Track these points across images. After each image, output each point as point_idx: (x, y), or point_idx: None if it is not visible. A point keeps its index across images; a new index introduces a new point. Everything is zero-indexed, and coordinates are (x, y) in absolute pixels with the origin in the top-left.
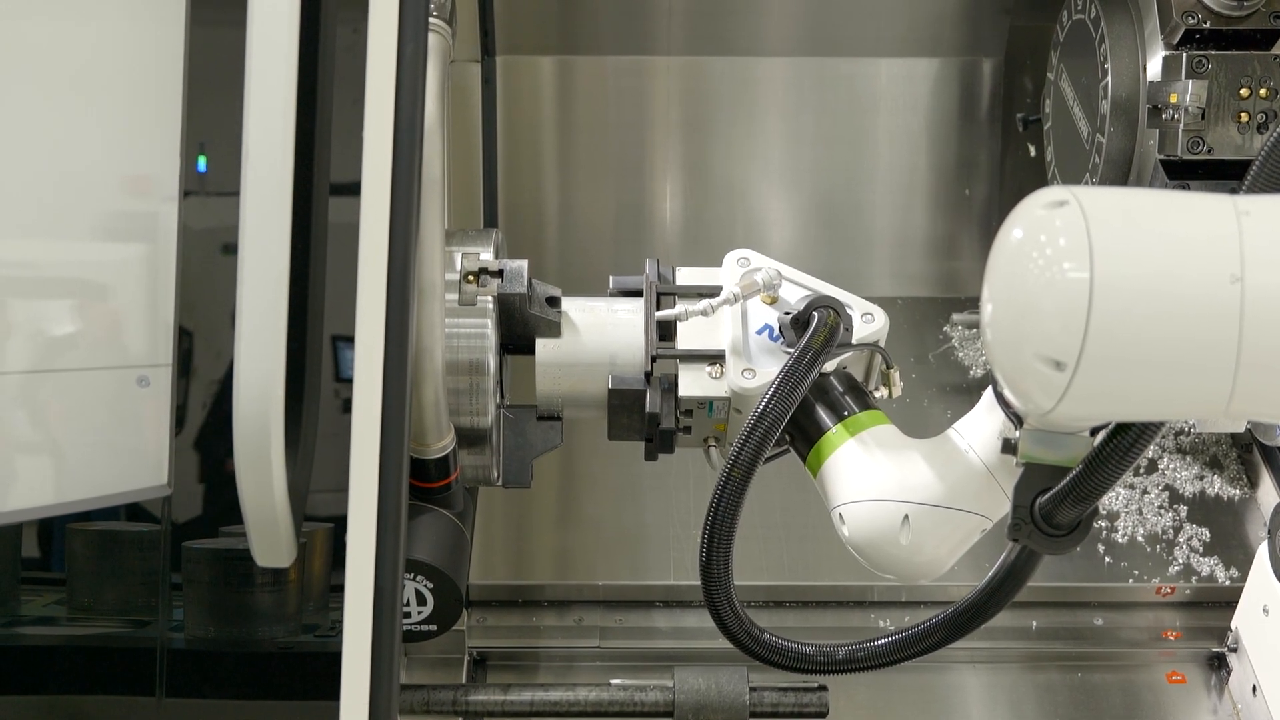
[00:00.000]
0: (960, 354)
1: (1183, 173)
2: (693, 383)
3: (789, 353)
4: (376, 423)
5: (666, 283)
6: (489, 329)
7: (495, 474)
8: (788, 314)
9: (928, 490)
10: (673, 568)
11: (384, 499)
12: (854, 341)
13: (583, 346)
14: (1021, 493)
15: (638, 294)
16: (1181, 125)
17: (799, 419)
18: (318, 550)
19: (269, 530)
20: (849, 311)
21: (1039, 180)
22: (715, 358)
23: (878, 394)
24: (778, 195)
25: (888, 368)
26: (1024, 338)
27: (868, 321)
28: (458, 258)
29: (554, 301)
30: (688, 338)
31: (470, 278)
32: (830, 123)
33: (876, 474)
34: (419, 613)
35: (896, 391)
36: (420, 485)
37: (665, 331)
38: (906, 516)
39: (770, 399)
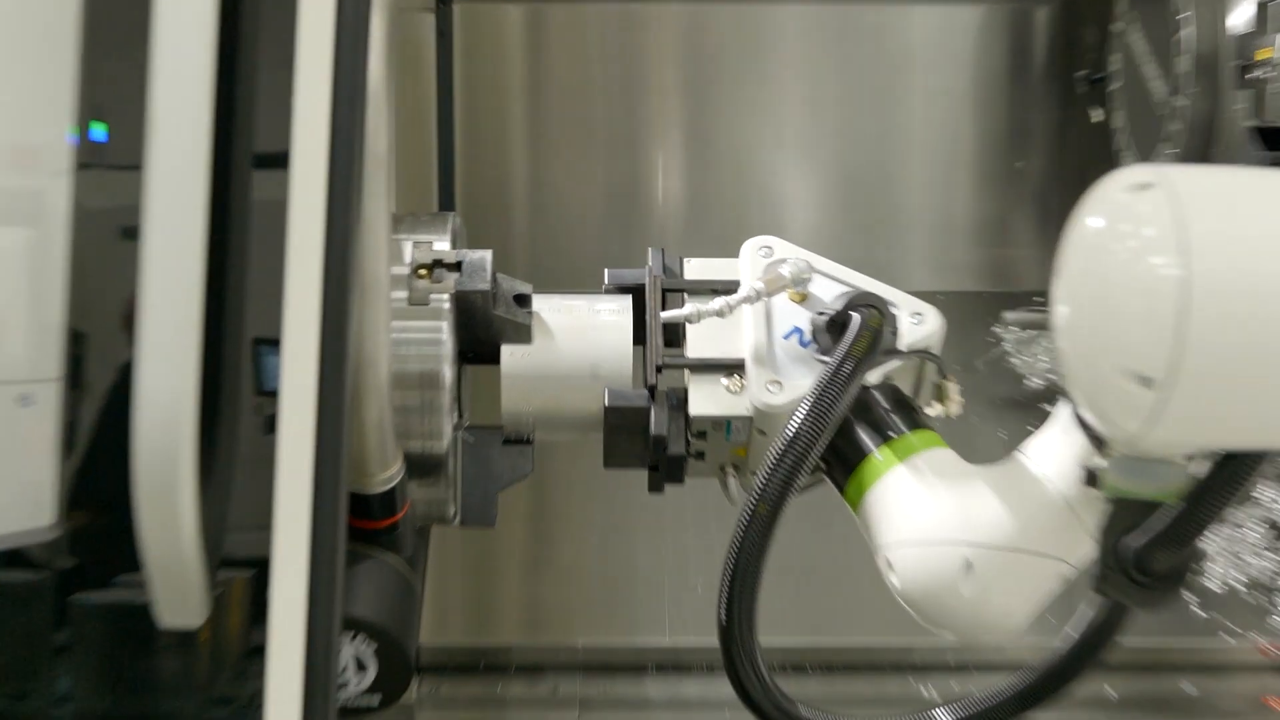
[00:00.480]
0: (1014, 359)
1: (1278, 142)
2: (707, 398)
3: (824, 361)
4: (308, 448)
5: (673, 276)
6: (444, 333)
7: (452, 510)
8: (821, 315)
9: (995, 529)
10: (669, 625)
11: (317, 542)
12: (902, 348)
13: (558, 354)
14: (1107, 534)
15: (636, 290)
16: (1276, 87)
17: (836, 441)
18: (235, 605)
19: (176, 580)
20: (895, 311)
21: (1104, 150)
22: (733, 367)
23: (930, 411)
24: (793, 171)
25: (942, 379)
26: (1104, 348)
27: (917, 323)
28: (407, 248)
29: (523, 300)
30: (699, 343)
31: (422, 271)
32: (855, 83)
33: (932, 508)
34: (359, 681)
35: (954, 408)
36: (361, 525)
37: (672, 336)
38: (969, 561)
39: (803, 418)
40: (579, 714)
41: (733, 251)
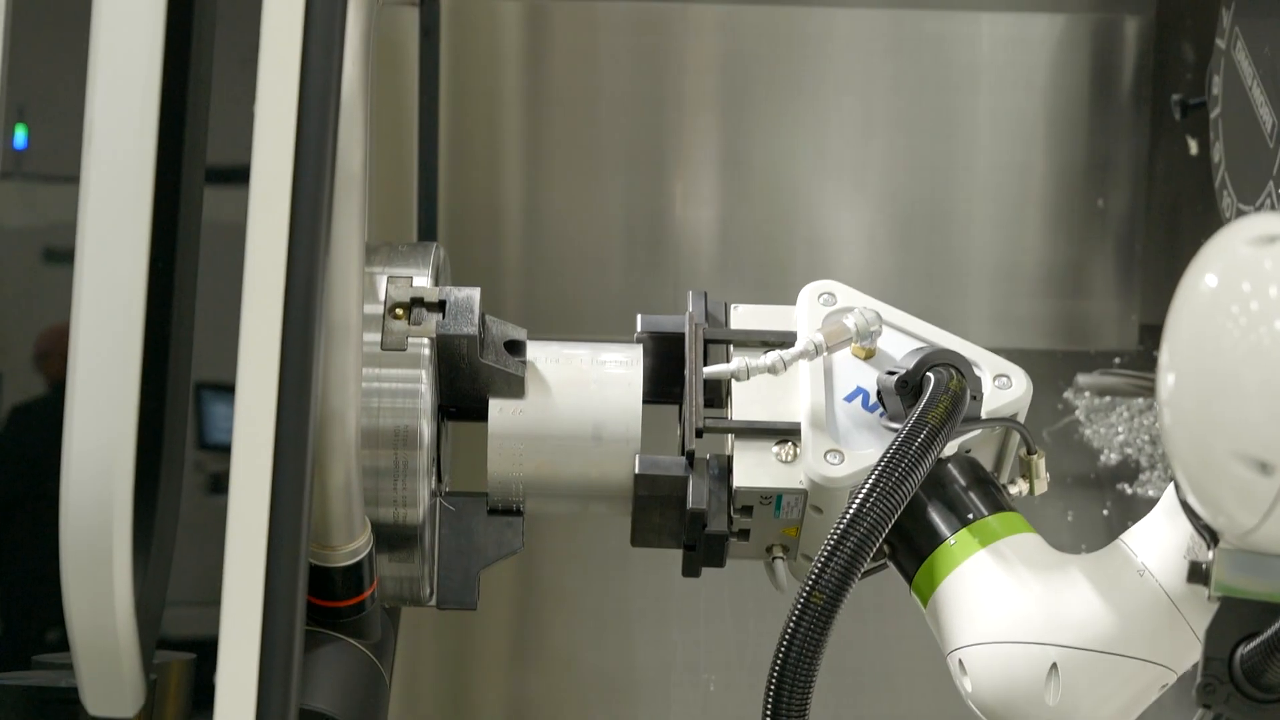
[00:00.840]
0: (1087, 430)
1: None
2: (754, 468)
3: (893, 429)
4: (263, 514)
5: (717, 325)
6: (424, 384)
7: (427, 590)
8: (891, 374)
9: (1086, 628)
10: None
11: (270, 622)
12: (984, 416)
13: (556, 411)
14: (1216, 639)
15: (673, 340)
16: None
17: (905, 522)
18: (174, 692)
19: (107, 663)
20: (977, 372)
21: (1200, 188)
22: (786, 433)
23: (1013, 489)
24: (834, 204)
25: (1029, 453)
26: (1218, 427)
27: (1002, 387)
28: (382, 283)
29: (516, 347)
30: (747, 404)
31: (399, 312)
32: (911, 102)
33: (1014, 603)
34: None
35: (1041, 486)
36: (322, 604)
37: (714, 395)
38: (1055, 665)
39: (868, 495)
40: None
41: (761, 295)
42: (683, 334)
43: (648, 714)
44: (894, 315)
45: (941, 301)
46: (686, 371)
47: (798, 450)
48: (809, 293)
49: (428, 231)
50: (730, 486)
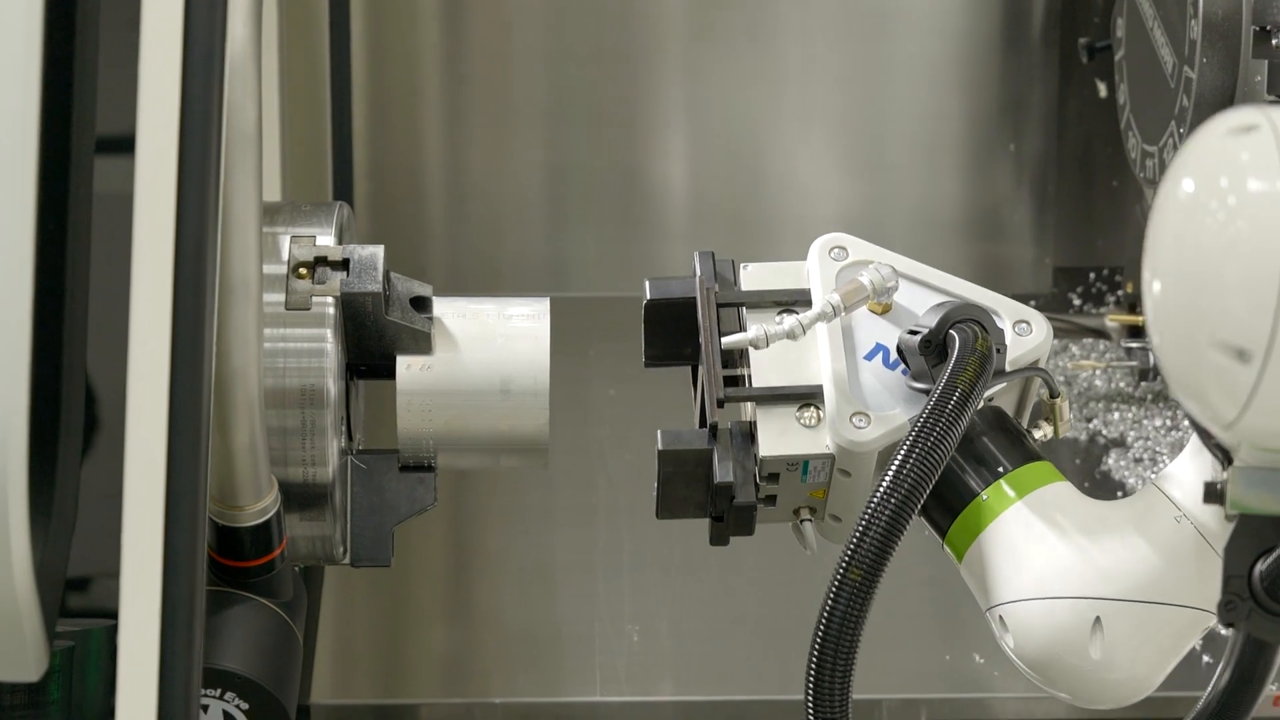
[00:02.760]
0: None
1: None
2: (779, 436)
3: (918, 389)
4: (159, 474)
5: (727, 286)
6: (329, 342)
7: (341, 548)
8: (913, 333)
9: (1130, 578)
10: (600, 679)
11: (170, 582)
12: (1008, 367)
13: (464, 367)
14: (1235, 557)
15: (685, 304)
16: None
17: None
18: (80, 658)
19: (8, 630)
20: (998, 322)
21: (1112, 129)
22: (809, 397)
23: (1036, 433)
24: (750, 156)
25: (1051, 396)
26: (1198, 320)
27: (1023, 333)
28: (284, 243)
29: (422, 304)
30: (766, 369)
31: (303, 271)
32: (825, 49)
33: (1054, 556)
34: None
35: (1065, 429)
36: (230, 564)
37: (727, 357)
38: (1099, 619)
39: (900, 468)
40: None
41: (673, 248)
42: (693, 299)
43: (574, 669)
44: (907, 265)
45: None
46: (702, 339)
47: (821, 414)
48: (819, 248)
49: (342, 191)
50: (756, 456)
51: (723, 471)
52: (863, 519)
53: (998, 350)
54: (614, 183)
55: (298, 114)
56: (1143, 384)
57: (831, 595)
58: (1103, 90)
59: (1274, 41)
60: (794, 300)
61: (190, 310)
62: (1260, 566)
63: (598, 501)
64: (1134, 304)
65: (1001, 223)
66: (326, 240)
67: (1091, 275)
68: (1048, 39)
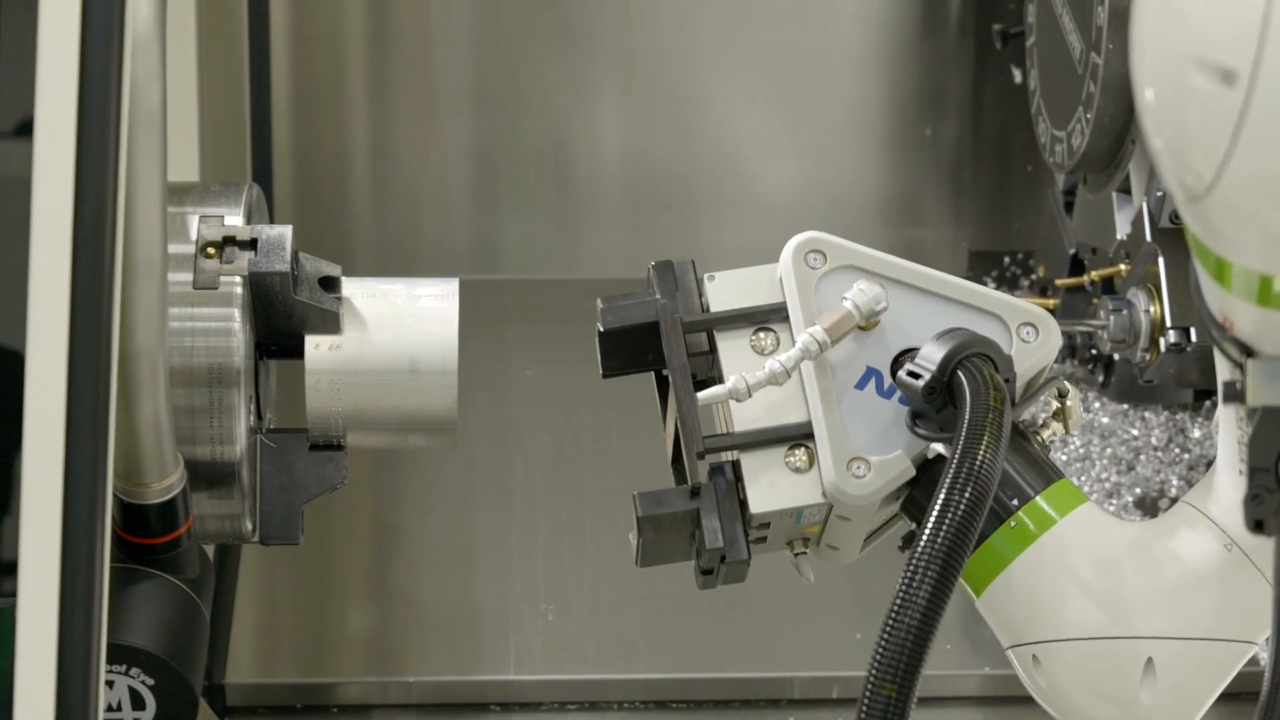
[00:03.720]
0: None
1: None
2: (769, 488)
3: (921, 435)
4: (58, 451)
5: (689, 295)
6: (236, 321)
7: (249, 526)
8: (912, 374)
9: (1184, 613)
10: (514, 659)
11: (70, 559)
12: (1019, 391)
13: (372, 347)
14: (1260, 449)
15: (649, 329)
16: None
17: None
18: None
19: None
20: (1000, 330)
21: (1027, 115)
22: (797, 438)
23: (1045, 433)
24: (663, 138)
25: (1060, 395)
26: (1179, 38)
27: (1029, 339)
28: (192, 223)
29: (331, 284)
30: (748, 408)
31: (210, 250)
32: (744, 35)
33: (1095, 591)
34: None
35: (1076, 424)
36: (136, 541)
37: (699, 366)
38: (1150, 660)
39: (919, 569)
40: None
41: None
42: (655, 323)
43: (490, 648)
44: (893, 267)
45: (774, 234)
46: (672, 380)
47: (813, 454)
48: (793, 253)
49: (261, 172)
50: (746, 510)
51: (712, 537)
52: (882, 636)
53: (1008, 379)
54: (540, 165)
55: (217, 95)
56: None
57: (869, 692)
58: (1018, 77)
59: None
60: (768, 316)
61: (89, 287)
62: None
63: (514, 482)
64: (1045, 288)
65: (919, 207)
66: (235, 220)
67: (1006, 259)
68: (964, 26)
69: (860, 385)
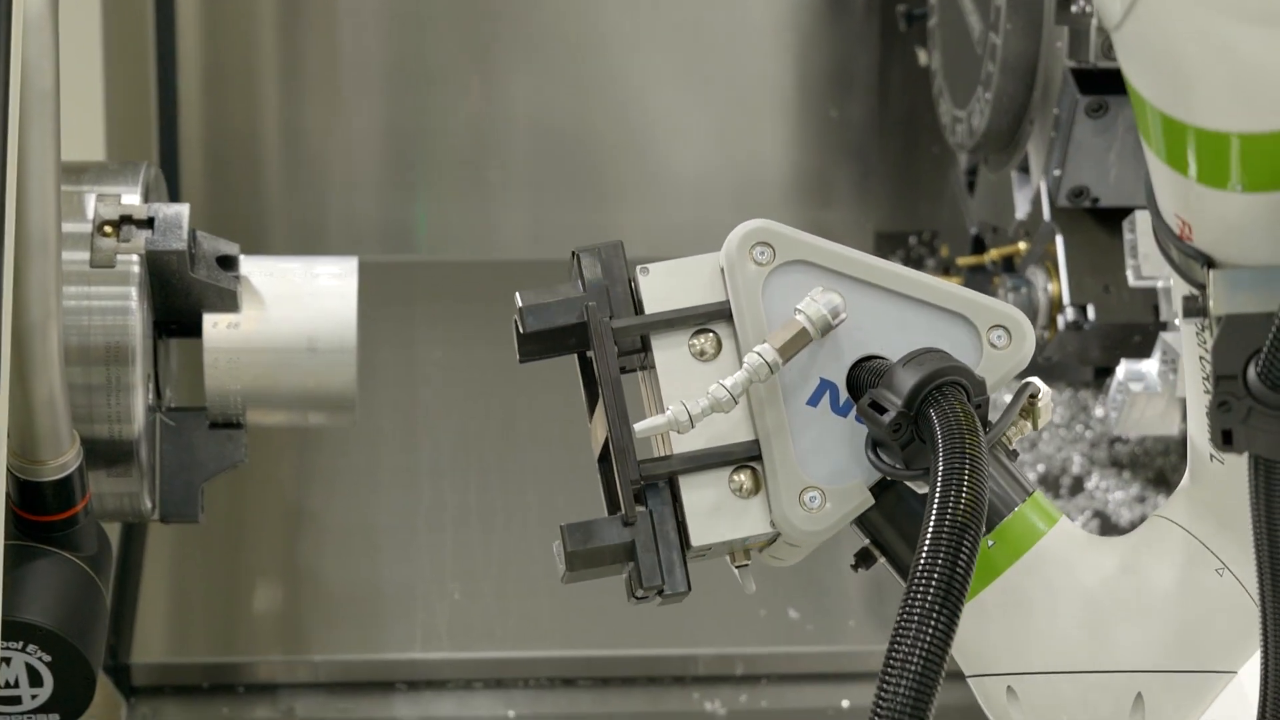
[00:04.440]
0: None
1: (1100, 86)
2: (709, 516)
3: (880, 465)
4: None
5: (619, 283)
6: (133, 300)
7: (149, 504)
8: (876, 406)
9: (1175, 645)
10: (420, 637)
11: None
12: (992, 410)
13: (270, 324)
14: (1225, 356)
15: (577, 332)
16: (1096, 22)
17: (905, 527)
18: None
19: None
20: (969, 336)
21: (931, 96)
22: (743, 460)
23: (1012, 432)
24: (574, 118)
25: (1031, 396)
26: None
27: (1000, 343)
28: (89, 201)
29: (228, 262)
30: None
31: (108, 229)
32: (656, 16)
33: (1078, 621)
34: (34, 697)
35: (1045, 420)
36: (33, 519)
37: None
38: (1140, 695)
39: (923, 615)
40: None
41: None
42: (583, 324)
43: (395, 627)
44: (851, 263)
45: (679, 215)
46: (604, 397)
47: (759, 477)
48: (738, 246)
49: (168, 151)
50: (685, 541)
51: (649, 574)
52: (887, 677)
53: (979, 403)
54: (450, 146)
55: (123, 76)
56: None
57: None
58: (923, 58)
59: (1074, 8)
60: (710, 318)
61: None
62: (1254, 368)
63: (421, 463)
64: (947, 267)
65: (827, 188)
66: (132, 199)
67: (912, 239)
68: (870, 7)
69: (813, 401)
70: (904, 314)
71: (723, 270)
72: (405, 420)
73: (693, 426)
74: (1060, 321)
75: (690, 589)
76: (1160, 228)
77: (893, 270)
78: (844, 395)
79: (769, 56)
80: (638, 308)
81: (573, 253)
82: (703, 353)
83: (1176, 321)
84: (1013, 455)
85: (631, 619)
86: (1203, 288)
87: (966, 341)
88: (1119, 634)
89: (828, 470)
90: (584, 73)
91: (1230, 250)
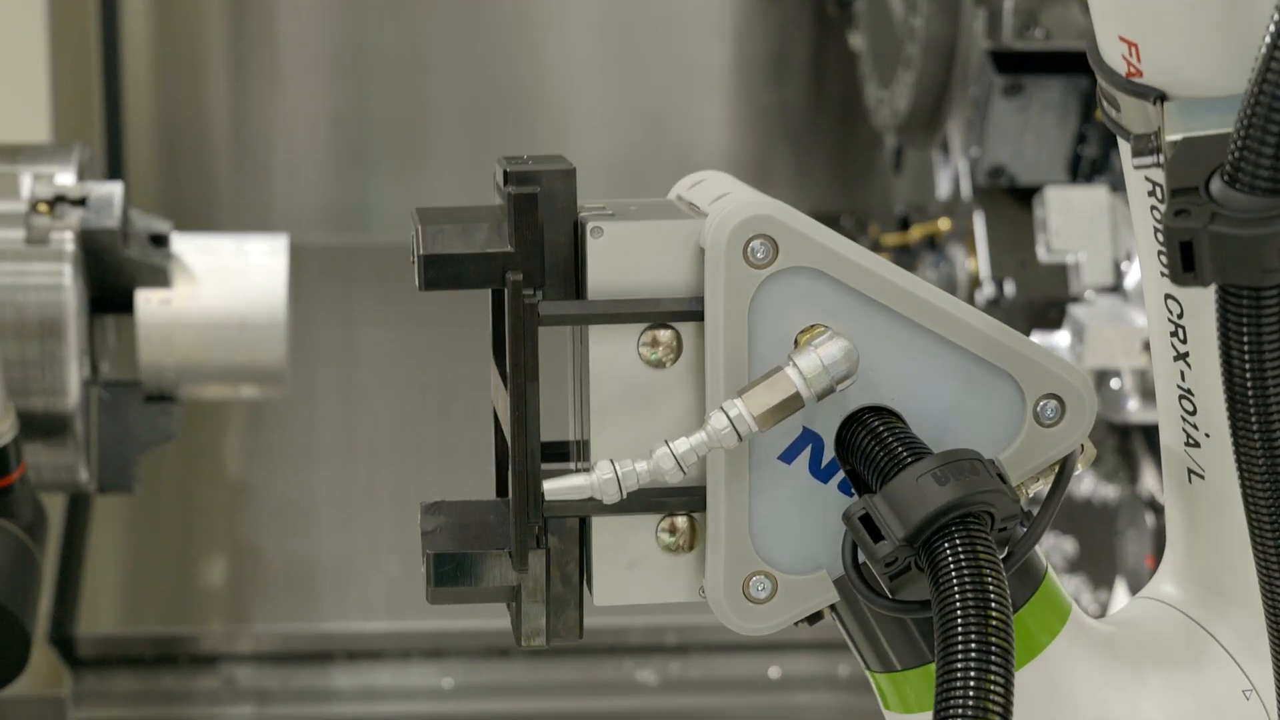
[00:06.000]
0: None
1: (1016, 66)
2: (625, 572)
3: (861, 590)
4: None
5: (554, 264)
6: (67, 277)
7: (85, 475)
8: (872, 530)
9: None
10: (356, 608)
11: None
12: (1025, 500)
13: (201, 301)
14: (1182, 173)
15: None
16: (1011, 4)
17: (884, 631)
18: None
19: None
20: (1009, 406)
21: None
22: (677, 507)
23: (1032, 489)
24: (512, 103)
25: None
26: None
27: (1049, 419)
28: (24, 181)
29: (160, 240)
30: (609, 440)
31: (42, 207)
32: (586, 4)
33: None
34: None
35: (1085, 465)
36: None
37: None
38: None
39: None
40: (257, 706)
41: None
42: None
43: (333, 598)
44: (871, 280)
45: (626, 196)
46: (509, 417)
47: (697, 530)
48: (729, 239)
49: (114, 134)
50: (585, 570)
51: (533, 628)
52: None
53: (1002, 529)
54: (390, 130)
55: (68, 59)
56: None
57: None
58: (854, 42)
59: None
60: (675, 315)
61: None
62: (1217, 179)
63: (359, 440)
64: (875, 246)
65: (764, 170)
66: (66, 178)
67: (844, 220)
68: None
69: (788, 456)
70: (934, 360)
71: (704, 251)
72: (344, 399)
73: (622, 497)
74: (979, 298)
75: (582, 637)
76: (1105, 78)
77: (929, 299)
78: (829, 455)
79: (705, 40)
80: (580, 279)
81: (504, 172)
82: (658, 362)
83: (1086, 294)
84: (1025, 517)
85: None
86: (1153, 135)
87: (1007, 407)
88: None
89: (788, 551)
90: (519, 56)
91: (1181, 62)
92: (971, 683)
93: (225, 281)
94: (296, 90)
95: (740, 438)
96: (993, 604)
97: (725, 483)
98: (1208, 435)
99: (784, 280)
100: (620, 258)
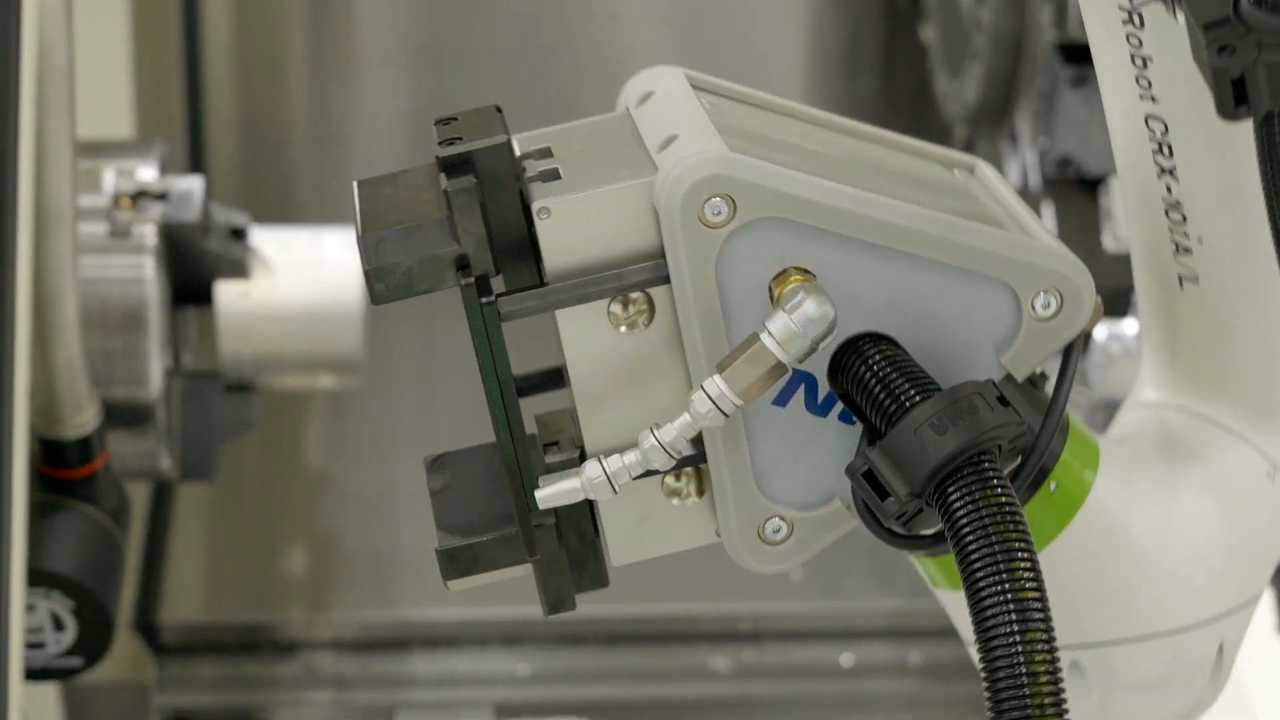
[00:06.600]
0: None
1: (1083, 57)
2: (636, 528)
3: (876, 530)
4: None
5: (505, 247)
6: (148, 269)
7: (167, 463)
8: (876, 486)
9: (1251, 578)
10: (434, 596)
11: None
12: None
13: (279, 292)
14: (1210, 3)
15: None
16: None
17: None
18: None
19: None
20: (1007, 302)
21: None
22: (685, 459)
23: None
24: (585, 96)
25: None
26: None
27: (1044, 312)
28: (107, 176)
29: (239, 233)
30: (597, 394)
31: (125, 202)
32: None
33: (1171, 570)
34: (57, 642)
35: (1094, 324)
36: (56, 474)
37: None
38: (1222, 644)
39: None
40: (336, 692)
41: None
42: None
43: (411, 586)
44: (842, 217)
45: None
46: (491, 416)
47: (704, 479)
48: (683, 204)
49: (196, 128)
50: (596, 525)
51: (555, 601)
52: None
53: (1012, 448)
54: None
55: (151, 54)
56: None
57: None
58: (925, 34)
59: None
60: (638, 286)
61: None
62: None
63: (439, 432)
64: None
65: None
66: (148, 173)
67: None
68: None
69: (782, 400)
70: (917, 280)
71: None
72: (423, 390)
73: (615, 493)
74: None
75: (608, 584)
76: None
77: (904, 222)
78: (825, 389)
79: (778, 35)
80: (537, 263)
81: (437, 158)
82: (632, 324)
83: None
84: (1040, 380)
85: (638, 578)
86: None
87: (1002, 311)
88: (1198, 579)
89: (798, 490)
90: (599, 52)
91: None
92: (1017, 639)
93: (302, 273)
94: (375, 84)
95: (726, 415)
96: (1019, 552)
97: (723, 441)
98: (1200, 240)
99: (747, 234)
100: (573, 234)
